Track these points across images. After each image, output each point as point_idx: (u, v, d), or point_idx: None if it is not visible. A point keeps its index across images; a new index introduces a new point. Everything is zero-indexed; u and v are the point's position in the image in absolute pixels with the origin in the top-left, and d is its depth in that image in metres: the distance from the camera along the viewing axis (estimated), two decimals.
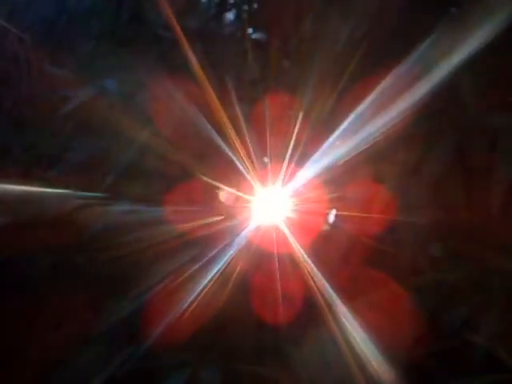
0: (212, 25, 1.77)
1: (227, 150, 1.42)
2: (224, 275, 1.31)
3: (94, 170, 1.54)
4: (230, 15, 1.76)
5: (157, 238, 1.47)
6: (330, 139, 1.28)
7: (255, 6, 1.72)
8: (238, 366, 1.18)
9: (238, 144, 1.41)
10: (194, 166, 1.46)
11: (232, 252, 1.32)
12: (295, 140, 1.37)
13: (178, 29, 1.58)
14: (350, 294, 1.14)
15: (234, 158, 1.41)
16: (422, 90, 1.17)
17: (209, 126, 1.47)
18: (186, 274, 1.38)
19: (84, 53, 1.91)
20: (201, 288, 1.31)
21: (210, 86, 1.45)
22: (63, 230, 1.59)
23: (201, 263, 1.36)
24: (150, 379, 1.15)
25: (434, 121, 1.22)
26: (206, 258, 1.36)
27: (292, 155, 1.37)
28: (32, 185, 1.61)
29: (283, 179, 1.37)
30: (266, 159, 1.44)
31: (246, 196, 1.41)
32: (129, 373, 1.22)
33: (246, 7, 1.73)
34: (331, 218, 1.41)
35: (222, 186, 1.44)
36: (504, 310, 1.03)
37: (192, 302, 1.31)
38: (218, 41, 1.73)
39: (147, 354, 1.25)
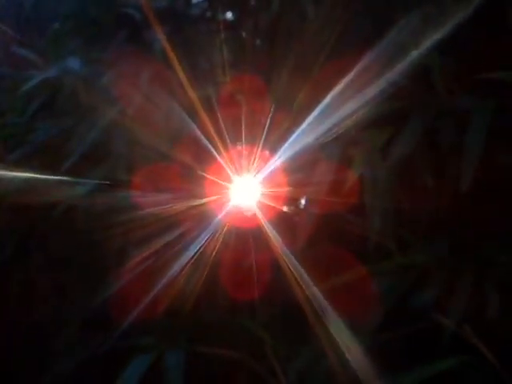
0: (181, 4, 1.74)
1: (199, 133, 1.40)
2: (195, 258, 1.30)
3: (57, 152, 1.51)
4: None
5: (127, 222, 1.45)
6: (302, 123, 1.27)
7: None
8: (204, 348, 1.17)
9: (209, 127, 1.39)
10: (163, 150, 1.44)
11: (204, 235, 1.31)
12: (268, 124, 1.35)
13: (147, 8, 1.56)
14: (317, 277, 1.13)
15: (206, 142, 1.39)
16: (391, 71, 1.16)
17: (179, 109, 1.45)
18: (157, 258, 1.37)
19: (50, 33, 1.88)
20: (173, 271, 1.30)
21: (180, 68, 1.43)
22: (30, 213, 1.57)
23: (173, 246, 1.35)
24: (115, 362, 1.14)
25: (403, 102, 1.21)
26: (178, 242, 1.34)
27: (264, 139, 1.35)
28: None
29: (255, 164, 1.36)
30: (238, 144, 1.42)
31: (218, 180, 1.39)
32: (95, 356, 1.20)
33: None
34: (301, 202, 1.40)
35: (193, 169, 1.43)
36: (472, 292, 1.03)
37: (163, 285, 1.29)
38: (188, 21, 1.71)
39: (112, 337, 1.24)
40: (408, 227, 1.16)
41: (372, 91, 1.16)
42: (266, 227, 1.27)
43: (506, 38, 1.21)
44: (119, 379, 1.06)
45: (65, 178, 1.49)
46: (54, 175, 1.50)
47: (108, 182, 1.50)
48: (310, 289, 1.14)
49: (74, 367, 1.40)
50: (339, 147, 1.18)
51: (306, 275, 1.15)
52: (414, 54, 1.16)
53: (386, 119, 1.19)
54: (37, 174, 1.52)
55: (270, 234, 1.25)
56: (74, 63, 1.57)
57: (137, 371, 1.05)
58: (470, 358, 0.98)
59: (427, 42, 1.15)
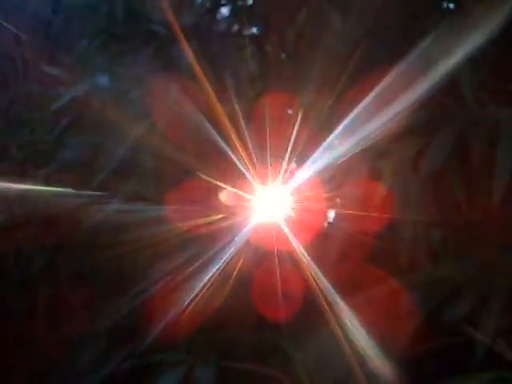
0: (207, 20, 1.75)
1: (226, 148, 1.40)
2: (223, 273, 1.30)
3: (87, 167, 1.52)
4: (224, 10, 1.75)
5: (154, 237, 1.46)
6: (329, 136, 1.26)
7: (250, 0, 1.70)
8: (234, 364, 1.17)
9: (236, 142, 1.39)
10: (191, 164, 1.45)
11: (232, 250, 1.30)
12: (295, 137, 1.35)
13: (174, 25, 1.57)
14: (349, 291, 1.12)
15: (233, 156, 1.39)
16: (421, 84, 1.15)
17: (207, 124, 1.45)
18: (185, 273, 1.36)
19: (79, 51, 1.90)
20: (200, 286, 1.30)
21: (207, 83, 1.43)
22: (59, 228, 1.58)
23: (201, 261, 1.35)
24: (146, 377, 1.14)
25: (433, 114, 1.20)
26: (206, 256, 1.34)
27: (291, 153, 1.35)
28: (27, 183, 1.60)
29: (283, 177, 1.36)
30: (265, 158, 1.42)
31: (245, 194, 1.39)
32: (125, 370, 1.20)
33: (240, 2, 1.71)
34: (330, 216, 1.39)
35: (221, 184, 1.43)
36: (504, 306, 1.01)
37: (190, 300, 1.29)
38: (214, 36, 1.72)
39: (143, 352, 1.24)
40: (439, 240, 1.15)
41: (402, 103, 1.15)
42: (294, 242, 1.26)
43: None
44: None
45: (94, 193, 1.50)
46: (82, 191, 1.51)
47: (136, 197, 1.50)
48: (339, 304, 1.13)
49: (102, 382, 1.40)
50: (369, 159, 1.17)
51: (336, 290, 1.15)
52: (444, 65, 1.15)
53: (416, 131, 1.18)
54: (66, 189, 1.54)
55: (299, 249, 1.24)
56: (101, 80, 1.58)
57: None
58: (504, 372, 0.96)
59: (457, 53, 1.14)
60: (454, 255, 1.14)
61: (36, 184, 1.57)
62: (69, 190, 1.53)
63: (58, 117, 1.64)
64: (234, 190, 1.41)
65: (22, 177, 1.63)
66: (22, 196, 1.59)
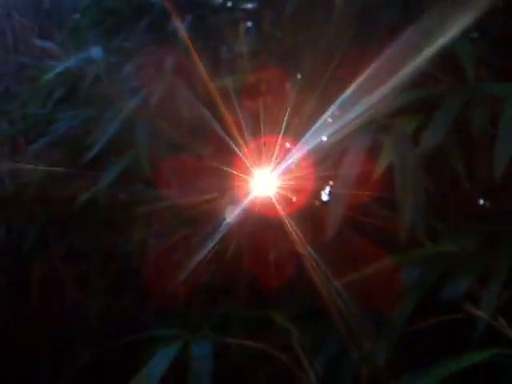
0: None
1: (219, 124, 1.38)
2: (217, 250, 1.29)
3: (79, 143, 1.50)
4: None
5: (146, 214, 1.45)
6: (326, 113, 1.25)
7: None
8: (230, 339, 1.16)
9: (229, 118, 1.37)
10: (182, 141, 1.43)
11: (225, 227, 1.29)
12: (289, 114, 1.33)
13: None
14: (345, 268, 1.12)
15: (226, 133, 1.37)
16: (420, 58, 1.14)
17: (199, 99, 1.43)
18: (178, 249, 1.36)
19: (71, 24, 1.87)
20: (194, 261, 1.29)
21: (201, 57, 1.41)
22: (51, 203, 1.57)
23: (194, 238, 1.34)
24: (139, 352, 1.13)
25: (433, 90, 1.19)
26: (199, 233, 1.33)
27: (286, 130, 1.33)
28: (18, 158, 1.59)
29: (277, 155, 1.34)
30: (260, 135, 1.40)
31: (238, 172, 1.37)
32: (120, 345, 1.19)
33: None
34: (326, 194, 1.38)
35: (213, 161, 1.41)
36: (505, 283, 1.01)
37: (185, 276, 1.28)
38: (209, 10, 1.70)
39: (138, 327, 1.23)
40: (439, 216, 1.14)
41: (400, 78, 1.13)
42: (289, 219, 1.25)
43: None
44: (144, 369, 1.05)
45: (86, 169, 1.48)
46: (75, 166, 1.50)
47: (129, 174, 1.49)
48: (335, 280, 1.12)
49: (96, 357, 1.39)
50: (368, 135, 1.16)
51: (332, 267, 1.14)
52: (443, 40, 1.13)
53: (416, 106, 1.17)
54: (58, 165, 1.52)
55: (294, 227, 1.23)
56: (95, 53, 1.56)
57: (164, 360, 1.04)
58: (504, 350, 0.95)
59: (456, 29, 1.13)
60: (454, 231, 1.13)
61: (27, 160, 1.55)
62: (60, 166, 1.52)
63: (50, 90, 1.62)
64: (227, 167, 1.39)
65: (13, 151, 1.62)
66: (12, 173, 1.57)
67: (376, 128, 1.17)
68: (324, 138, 1.26)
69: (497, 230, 1.10)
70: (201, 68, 1.41)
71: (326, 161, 1.24)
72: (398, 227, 1.08)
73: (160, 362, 1.04)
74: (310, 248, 1.18)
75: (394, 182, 1.10)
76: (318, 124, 1.26)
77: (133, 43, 1.62)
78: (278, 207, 1.28)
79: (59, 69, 1.52)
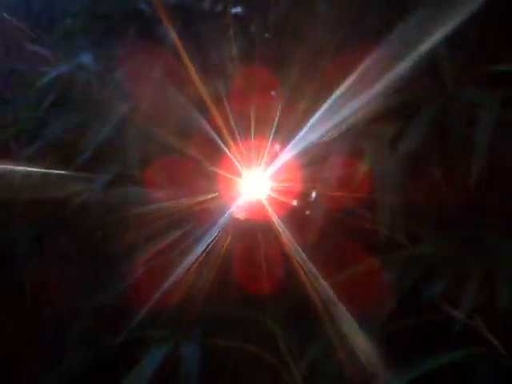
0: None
1: (209, 128, 1.40)
2: (208, 252, 1.31)
3: (70, 147, 1.52)
4: None
5: (139, 217, 1.46)
6: (312, 118, 1.28)
7: None
8: (218, 341, 1.19)
9: (220, 122, 1.40)
10: (172, 144, 1.45)
11: (215, 230, 1.32)
12: (277, 118, 1.36)
13: (158, 4, 1.57)
14: (328, 270, 1.14)
15: (216, 136, 1.40)
16: (399, 65, 1.16)
17: (190, 104, 1.45)
18: (170, 251, 1.38)
19: (62, 30, 1.89)
20: (185, 264, 1.31)
21: (191, 62, 1.43)
22: (43, 208, 1.58)
23: (185, 240, 1.36)
24: (129, 354, 1.16)
25: (412, 96, 1.22)
26: (191, 236, 1.35)
27: (274, 133, 1.36)
28: (11, 162, 1.60)
29: (265, 158, 1.37)
30: (248, 138, 1.43)
31: (228, 174, 1.40)
32: (112, 346, 1.22)
33: None
34: (311, 197, 1.40)
35: (204, 164, 1.43)
36: (482, 284, 1.04)
37: (174, 278, 1.31)
38: (198, 16, 1.71)
39: (129, 329, 1.26)
40: (417, 220, 1.17)
41: (381, 85, 1.16)
42: (276, 221, 1.28)
43: None
44: (135, 370, 1.07)
45: (78, 173, 1.50)
46: (67, 170, 1.52)
47: (120, 177, 1.51)
48: (320, 282, 1.15)
49: (88, 358, 1.41)
50: (349, 141, 1.19)
51: (316, 268, 1.16)
52: (423, 47, 1.16)
53: (396, 113, 1.20)
54: (50, 169, 1.54)
55: (281, 228, 1.26)
56: (86, 59, 1.58)
57: (153, 362, 1.06)
58: (480, 349, 0.98)
59: (436, 36, 1.16)
60: (432, 234, 1.16)
61: (19, 163, 1.56)
62: (53, 170, 1.53)
63: (41, 95, 1.64)
64: (218, 170, 1.41)
65: (5, 156, 1.63)
66: (5, 176, 1.58)
67: (357, 134, 1.20)
68: (309, 142, 1.29)
69: (473, 232, 1.13)
70: (191, 72, 1.43)
71: (310, 164, 1.27)
72: (378, 230, 1.11)
73: (150, 362, 1.07)
74: (297, 249, 1.21)
75: (374, 186, 1.13)
76: (304, 128, 1.29)
77: (123, 48, 1.63)
78: (268, 209, 1.31)
79: (51, 76, 1.54)
